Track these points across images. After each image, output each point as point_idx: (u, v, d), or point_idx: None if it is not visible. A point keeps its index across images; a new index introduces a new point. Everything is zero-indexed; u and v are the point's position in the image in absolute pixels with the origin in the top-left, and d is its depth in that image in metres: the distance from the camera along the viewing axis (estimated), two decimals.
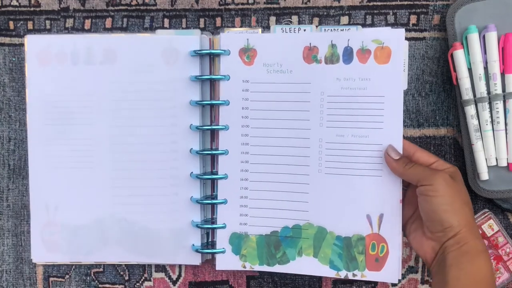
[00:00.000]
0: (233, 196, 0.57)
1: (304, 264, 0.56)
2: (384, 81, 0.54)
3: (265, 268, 0.57)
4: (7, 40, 0.61)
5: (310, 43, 0.55)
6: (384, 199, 0.54)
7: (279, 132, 0.56)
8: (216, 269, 0.57)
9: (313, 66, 0.55)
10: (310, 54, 0.55)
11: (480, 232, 0.58)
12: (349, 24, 0.60)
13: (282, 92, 0.56)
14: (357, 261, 0.55)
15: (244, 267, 0.57)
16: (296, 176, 0.56)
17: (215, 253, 0.57)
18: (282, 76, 0.56)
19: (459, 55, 0.57)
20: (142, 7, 0.60)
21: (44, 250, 0.59)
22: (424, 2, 0.59)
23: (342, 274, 0.56)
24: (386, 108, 0.54)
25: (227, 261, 0.57)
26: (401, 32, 0.54)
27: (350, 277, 0.55)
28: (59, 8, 0.60)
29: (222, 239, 0.57)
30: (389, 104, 0.54)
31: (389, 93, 0.54)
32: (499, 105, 0.56)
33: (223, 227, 0.57)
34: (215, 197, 0.58)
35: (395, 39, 0.54)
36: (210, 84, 0.58)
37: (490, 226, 0.58)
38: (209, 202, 0.58)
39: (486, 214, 0.58)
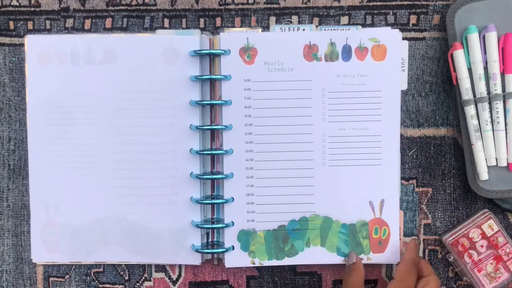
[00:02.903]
0: (239, 194, 0.58)
1: (312, 254, 0.58)
2: (381, 77, 0.57)
3: (275, 262, 0.58)
4: (7, 40, 0.61)
5: (310, 42, 0.57)
6: (384, 185, 0.58)
7: (282, 129, 0.58)
8: (226, 267, 0.58)
9: (314, 64, 0.57)
10: (310, 52, 0.57)
11: (480, 232, 0.58)
12: (349, 24, 0.60)
13: (284, 90, 0.57)
14: (362, 246, 0.58)
15: (253, 263, 0.58)
16: (301, 170, 0.58)
17: (223, 252, 0.58)
18: (283, 74, 0.57)
19: (459, 55, 0.57)
20: (142, 7, 0.60)
21: (44, 250, 0.59)
22: (424, 2, 0.60)
23: None
24: (383, 101, 0.57)
25: (236, 259, 0.58)
26: (395, 32, 0.57)
27: None
28: (59, 8, 0.60)
29: (230, 237, 0.58)
30: (387, 98, 0.57)
31: (386, 88, 0.57)
32: (499, 105, 0.56)
33: (231, 225, 0.58)
34: (216, 197, 0.58)
35: (390, 37, 0.57)
36: (210, 84, 0.58)
37: (490, 226, 0.58)
38: (209, 202, 0.58)
39: (486, 214, 0.58)
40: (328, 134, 0.58)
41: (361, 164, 0.58)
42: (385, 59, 0.57)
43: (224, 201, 0.57)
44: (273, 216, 0.58)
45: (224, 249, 0.58)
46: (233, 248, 0.58)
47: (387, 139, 0.58)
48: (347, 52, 0.57)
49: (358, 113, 0.57)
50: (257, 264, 0.58)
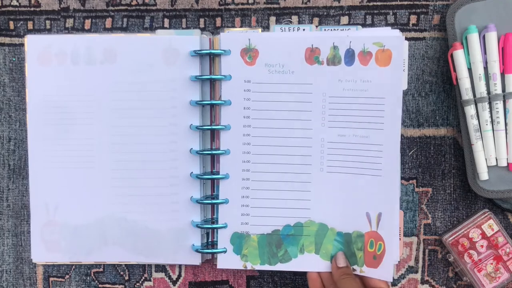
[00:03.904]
0: (234, 196, 0.57)
1: (306, 261, 0.57)
2: (385, 83, 0.55)
3: (267, 267, 0.57)
4: (7, 40, 0.61)
5: (312, 45, 0.56)
6: (383, 198, 0.55)
7: (281, 132, 0.57)
8: (218, 267, 0.58)
9: (315, 67, 0.56)
10: (312, 56, 0.56)
11: (480, 232, 0.58)
12: (349, 24, 0.60)
13: (284, 93, 0.56)
14: (356, 257, 0.56)
15: (245, 267, 0.57)
16: (298, 175, 0.57)
17: (216, 253, 0.57)
18: (284, 76, 0.56)
19: (459, 55, 0.57)
20: (142, 7, 0.60)
21: (44, 250, 0.59)
22: (424, 2, 0.60)
23: None
24: (386, 109, 0.55)
25: (228, 261, 0.57)
26: (401, 36, 0.55)
27: None
28: (59, 8, 0.60)
29: (223, 238, 0.57)
30: (389, 106, 0.55)
31: (389, 95, 0.55)
32: (499, 105, 0.56)
33: (224, 227, 0.57)
34: (215, 197, 0.58)
35: (396, 42, 0.55)
36: (210, 84, 0.58)
37: (490, 226, 0.58)
38: (209, 202, 0.58)
39: (486, 214, 0.58)
40: (327, 140, 0.56)
41: (360, 173, 0.56)
42: (390, 64, 0.55)
43: (224, 201, 0.57)
44: (267, 220, 0.57)
45: (225, 249, 0.57)
46: (225, 250, 0.57)
47: (388, 149, 0.55)
48: (350, 56, 0.55)
49: (359, 120, 0.55)
50: (249, 268, 0.57)
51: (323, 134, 0.56)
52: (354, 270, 0.56)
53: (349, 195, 0.56)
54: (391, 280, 0.56)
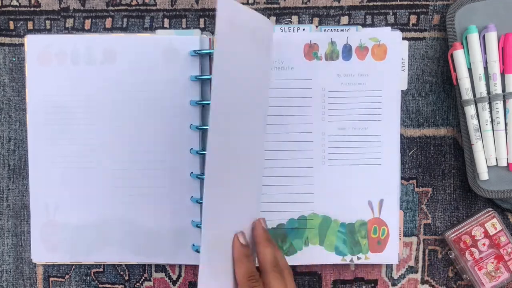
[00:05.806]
0: None
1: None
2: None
3: None
4: (7, 40, 0.60)
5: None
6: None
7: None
8: None
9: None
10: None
11: (483, 230, 0.58)
12: (349, 24, 0.60)
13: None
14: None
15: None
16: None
17: None
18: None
19: (459, 55, 0.57)
20: (142, 7, 0.60)
21: (44, 250, 0.59)
22: (424, 2, 0.60)
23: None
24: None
25: None
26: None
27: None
28: (59, 8, 0.60)
29: None
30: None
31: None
32: (499, 105, 0.56)
33: None
34: None
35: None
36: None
37: (494, 225, 0.58)
38: None
39: (490, 213, 0.58)
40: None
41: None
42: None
43: None
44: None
45: None
46: None
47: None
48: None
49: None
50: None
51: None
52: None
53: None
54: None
